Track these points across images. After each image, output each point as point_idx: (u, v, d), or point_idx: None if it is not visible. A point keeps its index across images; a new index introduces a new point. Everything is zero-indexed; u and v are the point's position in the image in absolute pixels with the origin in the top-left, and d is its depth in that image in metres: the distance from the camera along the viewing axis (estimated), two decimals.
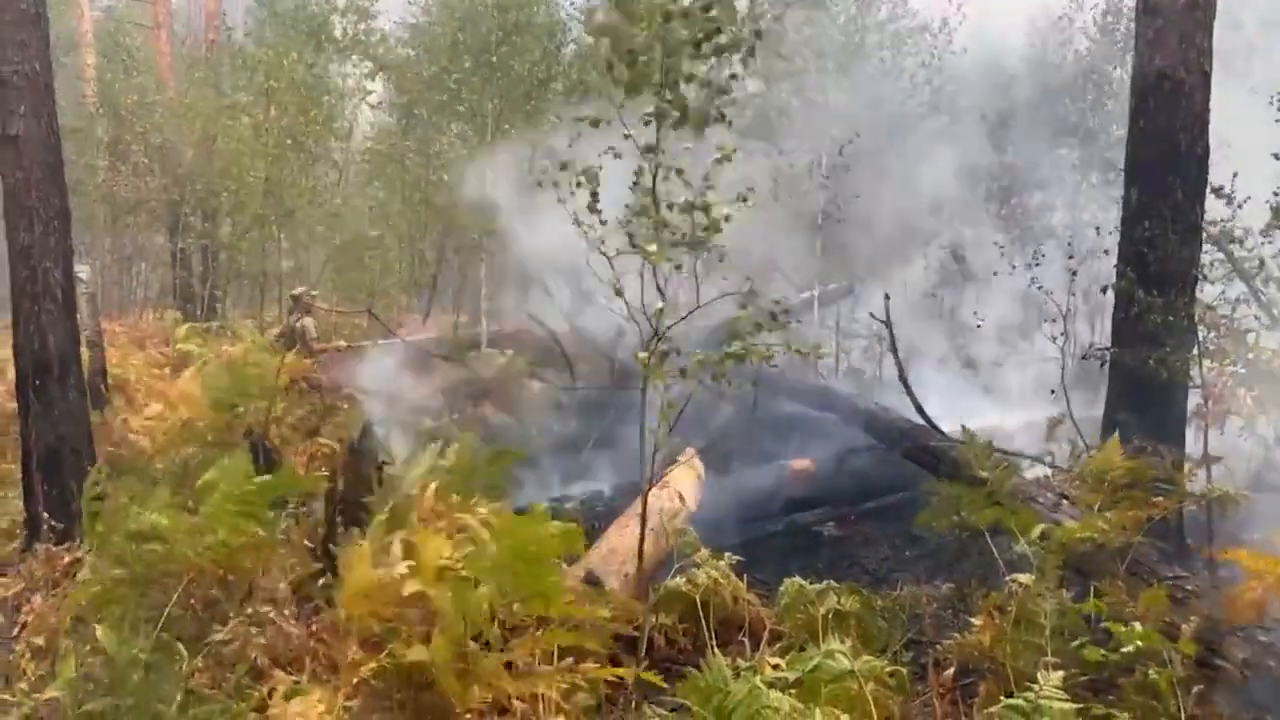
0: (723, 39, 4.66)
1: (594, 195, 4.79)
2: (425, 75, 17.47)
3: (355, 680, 3.83)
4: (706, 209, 4.78)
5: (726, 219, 4.92)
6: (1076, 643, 4.39)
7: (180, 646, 4.11)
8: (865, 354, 17.43)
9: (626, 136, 4.75)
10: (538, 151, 13.96)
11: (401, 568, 4.21)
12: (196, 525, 4.46)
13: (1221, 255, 8.57)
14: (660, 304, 4.74)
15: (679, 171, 4.80)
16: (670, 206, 4.74)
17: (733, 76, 4.82)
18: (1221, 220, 8.83)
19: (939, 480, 6.74)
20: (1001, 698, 3.91)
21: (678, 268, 4.72)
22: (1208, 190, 7.43)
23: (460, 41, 16.41)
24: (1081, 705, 3.71)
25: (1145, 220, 7.11)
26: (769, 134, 15.37)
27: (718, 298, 5.23)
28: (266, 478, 4.78)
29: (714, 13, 4.58)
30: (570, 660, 4.39)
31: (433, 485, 5.14)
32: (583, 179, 4.82)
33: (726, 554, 5.85)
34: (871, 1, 17.83)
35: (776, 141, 15.13)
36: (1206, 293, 7.48)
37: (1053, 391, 8.21)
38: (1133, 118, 7.38)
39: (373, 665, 3.87)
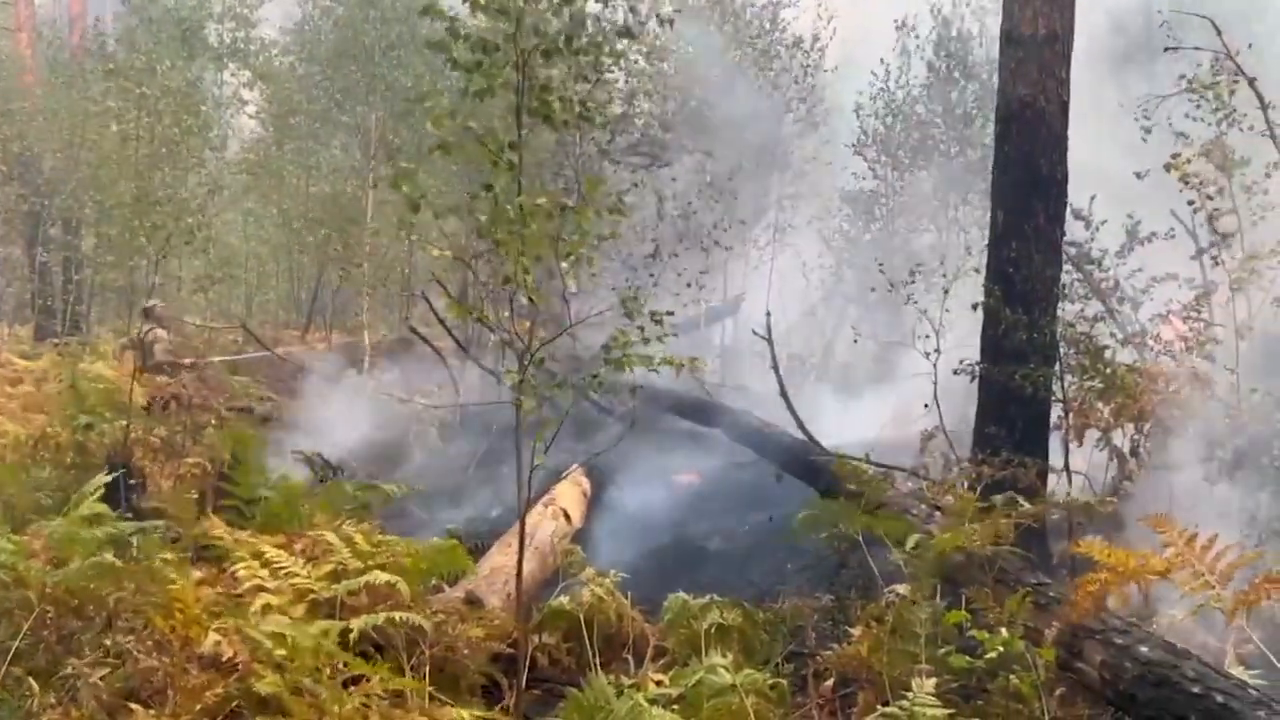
0: (582, 41, 4.59)
1: (414, 206, 4.57)
2: (307, 83, 17.04)
3: (198, 708, 3.62)
4: (581, 214, 4.61)
5: (609, 235, 4.87)
6: (945, 650, 4.53)
7: (31, 681, 3.87)
8: (749, 370, 17.68)
9: (467, 128, 4.60)
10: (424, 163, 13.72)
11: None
12: (48, 552, 4.20)
13: (1080, 275, 8.99)
14: (529, 320, 4.59)
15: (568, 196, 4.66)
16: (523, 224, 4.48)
17: (584, 79, 4.75)
18: (1081, 242, 9.29)
19: (820, 494, 6.88)
20: (879, 706, 4.00)
21: (528, 273, 4.43)
22: (1068, 213, 7.79)
23: (345, 52, 16.08)
24: (953, 711, 3.82)
25: (1010, 241, 7.40)
26: (654, 150, 15.47)
27: (595, 315, 5.17)
28: None
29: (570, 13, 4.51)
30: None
31: None
32: (403, 182, 4.61)
33: (611, 571, 5.85)
34: (740, 16, 18.06)
35: (663, 158, 15.24)
36: (1067, 311, 7.82)
37: (925, 405, 8.43)
38: (998, 143, 7.70)
39: (219, 692, 3.68)
